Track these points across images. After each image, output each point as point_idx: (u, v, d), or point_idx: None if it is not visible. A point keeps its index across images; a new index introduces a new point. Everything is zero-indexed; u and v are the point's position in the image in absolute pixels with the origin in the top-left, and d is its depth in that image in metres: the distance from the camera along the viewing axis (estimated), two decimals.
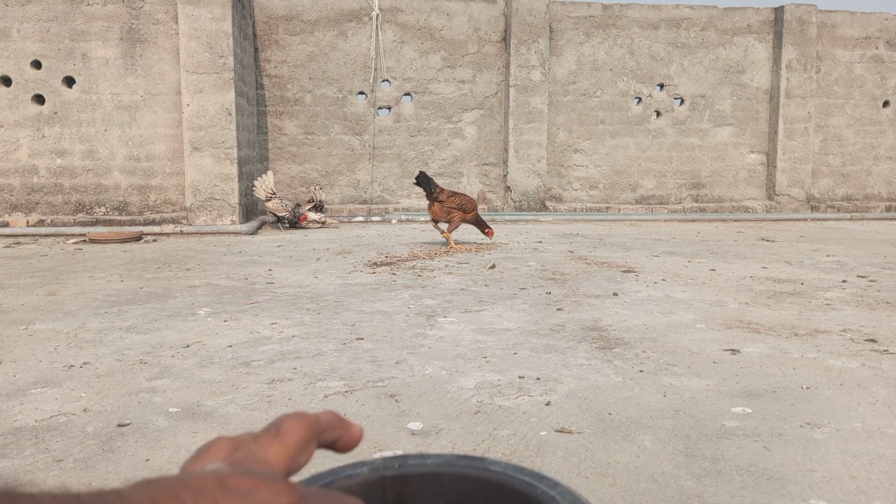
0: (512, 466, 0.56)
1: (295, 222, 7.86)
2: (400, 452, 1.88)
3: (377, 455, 1.88)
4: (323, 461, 1.83)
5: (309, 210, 8.11)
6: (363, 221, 8.67)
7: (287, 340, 3.03)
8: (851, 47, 10.37)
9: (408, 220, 8.77)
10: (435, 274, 4.75)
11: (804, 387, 2.43)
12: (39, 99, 7.66)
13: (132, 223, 7.67)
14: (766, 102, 10.37)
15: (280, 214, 7.75)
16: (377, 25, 9.32)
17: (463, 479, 0.56)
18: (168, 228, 7.23)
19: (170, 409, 2.21)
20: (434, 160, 9.71)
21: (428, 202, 6.12)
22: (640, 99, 10.08)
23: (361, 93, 9.46)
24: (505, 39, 9.67)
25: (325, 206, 8.76)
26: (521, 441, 1.95)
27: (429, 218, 8.68)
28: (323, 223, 8.11)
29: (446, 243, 6.38)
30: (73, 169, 7.73)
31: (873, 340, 3.04)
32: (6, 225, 7.54)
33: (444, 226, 6.63)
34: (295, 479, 0.37)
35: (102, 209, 7.81)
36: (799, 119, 10.17)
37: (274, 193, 7.81)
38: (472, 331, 3.19)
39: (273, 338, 3.08)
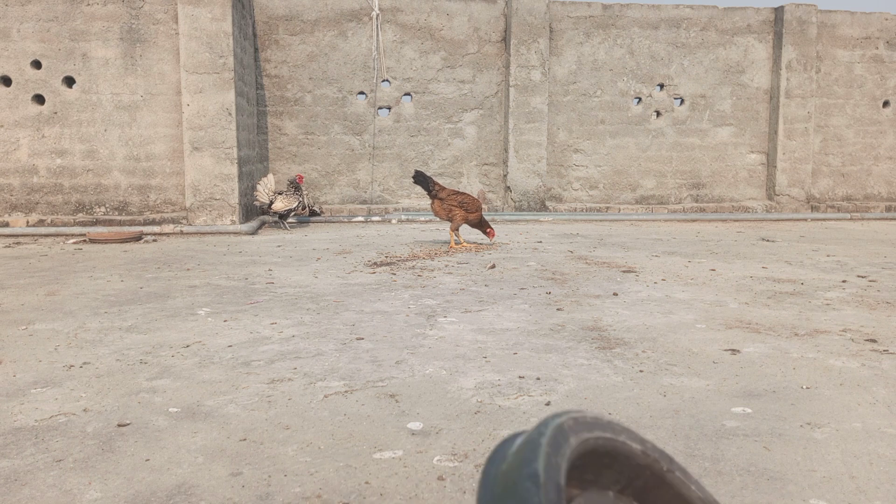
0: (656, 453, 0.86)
1: (312, 209, 8.22)
2: (400, 452, 1.87)
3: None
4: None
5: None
6: (363, 221, 8.67)
7: (287, 340, 3.03)
8: (851, 47, 10.37)
9: (408, 220, 8.77)
10: (435, 274, 4.75)
11: (804, 387, 2.43)
12: (39, 99, 7.66)
13: (132, 223, 7.67)
14: (766, 102, 10.37)
15: (292, 206, 7.77)
16: (377, 25, 9.32)
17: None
18: (168, 228, 7.23)
19: (170, 409, 2.21)
20: (434, 160, 9.71)
21: (430, 201, 6.13)
22: (640, 99, 10.07)
23: (361, 93, 9.46)
24: (505, 39, 9.66)
25: (315, 207, 8.85)
26: None
27: (429, 218, 8.70)
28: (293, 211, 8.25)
29: (447, 243, 6.38)
30: (73, 169, 7.73)
31: (873, 340, 3.04)
32: (6, 225, 7.54)
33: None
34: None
35: (102, 209, 7.81)
36: (799, 119, 10.17)
37: (276, 193, 7.82)
38: (472, 331, 3.19)
39: (273, 338, 3.08)
